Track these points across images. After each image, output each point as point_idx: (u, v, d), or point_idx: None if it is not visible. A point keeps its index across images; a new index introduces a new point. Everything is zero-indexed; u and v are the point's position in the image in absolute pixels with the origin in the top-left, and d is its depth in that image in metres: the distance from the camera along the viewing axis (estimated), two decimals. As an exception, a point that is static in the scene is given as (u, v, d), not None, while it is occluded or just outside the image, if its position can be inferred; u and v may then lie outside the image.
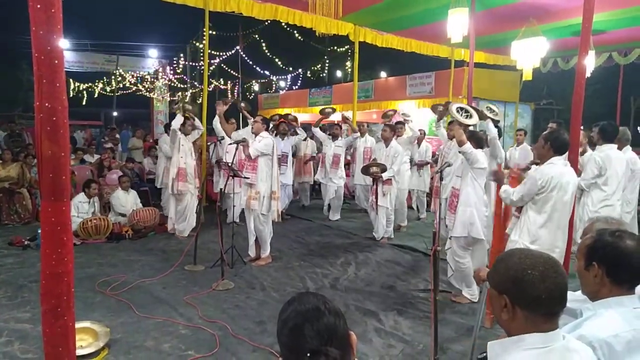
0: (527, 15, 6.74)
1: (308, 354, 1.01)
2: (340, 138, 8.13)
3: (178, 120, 6.62)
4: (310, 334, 1.03)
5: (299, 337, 1.04)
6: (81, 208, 6.64)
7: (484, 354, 1.37)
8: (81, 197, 6.73)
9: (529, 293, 1.22)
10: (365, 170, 6.73)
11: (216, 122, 6.50)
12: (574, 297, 1.70)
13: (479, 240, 4.25)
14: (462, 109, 4.66)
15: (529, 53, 6.58)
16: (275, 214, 5.50)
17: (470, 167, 4.19)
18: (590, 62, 7.32)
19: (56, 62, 1.69)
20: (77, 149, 10.01)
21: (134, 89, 19.34)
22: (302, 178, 8.77)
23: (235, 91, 20.65)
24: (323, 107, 8.79)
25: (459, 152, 4.27)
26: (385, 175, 6.34)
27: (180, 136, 6.57)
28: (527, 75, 7.15)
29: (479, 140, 4.34)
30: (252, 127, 5.57)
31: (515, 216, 3.59)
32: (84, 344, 3.23)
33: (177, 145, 6.57)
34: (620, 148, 4.56)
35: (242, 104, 7.62)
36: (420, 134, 7.92)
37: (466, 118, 4.55)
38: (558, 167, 3.29)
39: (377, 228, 6.59)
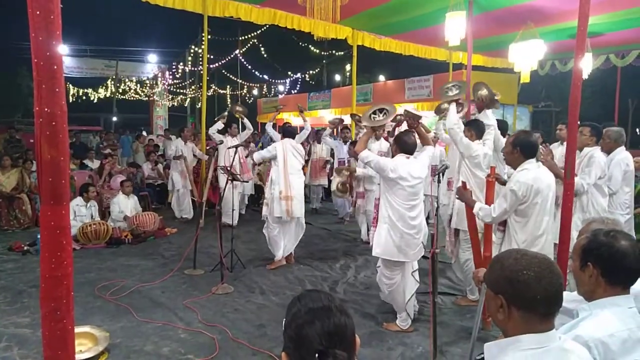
0: (525, 18, 6.77)
1: (316, 355, 1.01)
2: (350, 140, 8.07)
3: (216, 126, 7.22)
4: (320, 333, 1.03)
5: (307, 335, 1.04)
6: (78, 212, 6.64)
7: (482, 355, 1.37)
8: (78, 200, 6.74)
9: (525, 293, 1.23)
10: (338, 174, 6.75)
11: (213, 130, 7.16)
12: (570, 298, 1.71)
13: (396, 262, 3.72)
14: (380, 110, 3.99)
15: (526, 55, 6.60)
16: (286, 213, 5.40)
17: (381, 177, 3.77)
18: (587, 64, 7.34)
19: (55, 67, 1.70)
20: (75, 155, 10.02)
21: (133, 93, 19.39)
22: (317, 180, 8.81)
23: (236, 95, 20.73)
24: (332, 118, 8.89)
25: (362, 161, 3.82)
26: (359, 171, 6.29)
27: (226, 139, 7.18)
28: (525, 78, 7.17)
29: (477, 128, 3.99)
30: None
31: (500, 230, 3.39)
32: (83, 349, 3.23)
33: (224, 147, 7.08)
34: (614, 149, 4.51)
35: (239, 109, 7.73)
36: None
37: (384, 118, 3.94)
38: (532, 172, 3.12)
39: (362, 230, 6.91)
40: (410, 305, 3.79)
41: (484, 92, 4.30)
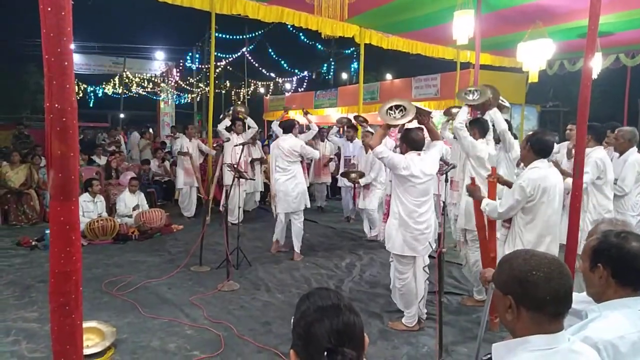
0: (533, 17, 6.72)
1: (325, 353, 1.01)
2: (356, 139, 8.05)
3: (224, 123, 7.40)
4: (329, 331, 1.03)
5: (316, 333, 1.04)
6: (86, 207, 6.68)
7: (489, 355, 1.37)
8: (85, 196, 6.76)
9: (534, 294, 1.23)
10: (346, 176, 6.84)
11: (222, 127, 7.29)
12: (580, 299, 1.70)
13: (407, 256, 3.74)
14: (397, 107, 3.81)
15: (535, 55, 6.56)
16: (273, 211, 6.00)
17: (392, 174, 3.78)
18: (596, 64, 7.27)
19: (66, 64, 1.70)
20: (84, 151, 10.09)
21: (140, 90, 19.45)
22: (320, 179, 8.79)
23: (241, 93, 20.73)
24: (340, 117, 8.87)
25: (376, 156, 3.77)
26: (362, 182, 6.49)
27: (232, 135, 7.32)
28: (533, 77, 7.12)
29: (481, 127, 4.10)
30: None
31: (505, 227, 3.40)
32: (90, 344, 3.26)
33: (230, 144, 7.24)
34: (627, 149, 4.47)
35: (241, 109, 7.78)
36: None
37: (401, 117, 3.77)
38: (542, 170, 3.14)
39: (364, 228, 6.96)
40: (420, 297, 3.78)
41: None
